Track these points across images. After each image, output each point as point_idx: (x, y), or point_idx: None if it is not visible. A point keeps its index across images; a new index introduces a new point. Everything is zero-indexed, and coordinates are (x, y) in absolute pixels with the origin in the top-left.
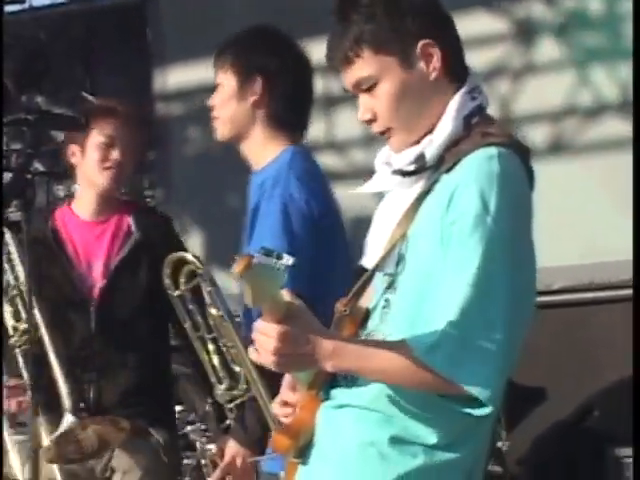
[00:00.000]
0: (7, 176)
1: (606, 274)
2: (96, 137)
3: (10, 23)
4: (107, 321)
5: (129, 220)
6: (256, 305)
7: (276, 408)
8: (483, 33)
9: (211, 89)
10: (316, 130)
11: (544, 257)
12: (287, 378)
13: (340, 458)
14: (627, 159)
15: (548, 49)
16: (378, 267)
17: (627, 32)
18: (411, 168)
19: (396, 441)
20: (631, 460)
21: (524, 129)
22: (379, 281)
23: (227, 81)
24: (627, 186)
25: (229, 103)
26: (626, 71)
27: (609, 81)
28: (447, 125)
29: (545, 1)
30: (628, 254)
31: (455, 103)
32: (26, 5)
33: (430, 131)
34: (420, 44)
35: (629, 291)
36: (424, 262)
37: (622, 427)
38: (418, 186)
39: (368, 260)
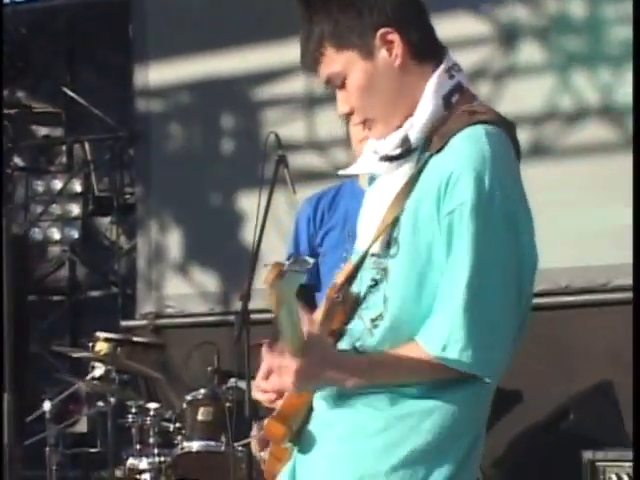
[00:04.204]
0: None
1: (584, 278)
2: None
3: None
4: None
5: None
6: (278, 310)
7: (258, 395)
8: (466, 35)
9: (191, 86)
10: (298, 130)
11: None
12: (262, 366)
13: (337, 449)
14: (607, 163)
15: (530, 53)
16: (369, 251)
17: (608, 37)
18: (397, 152)
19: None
20: (605, 464)
21: None
22: (368, 263)
23: None
24: (606, 190)
25: None
26: (607, 75)
27: (590, 85)
28: (427, 106)
29: (528, 5)
30: (606, 259)
31: (432, 84)
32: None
33: (411, 114)
34: (379, 33)
35: (607, 295)
36: (424, 249)
37: (597, 430)
38: (407, 168)
39: (359, 244)
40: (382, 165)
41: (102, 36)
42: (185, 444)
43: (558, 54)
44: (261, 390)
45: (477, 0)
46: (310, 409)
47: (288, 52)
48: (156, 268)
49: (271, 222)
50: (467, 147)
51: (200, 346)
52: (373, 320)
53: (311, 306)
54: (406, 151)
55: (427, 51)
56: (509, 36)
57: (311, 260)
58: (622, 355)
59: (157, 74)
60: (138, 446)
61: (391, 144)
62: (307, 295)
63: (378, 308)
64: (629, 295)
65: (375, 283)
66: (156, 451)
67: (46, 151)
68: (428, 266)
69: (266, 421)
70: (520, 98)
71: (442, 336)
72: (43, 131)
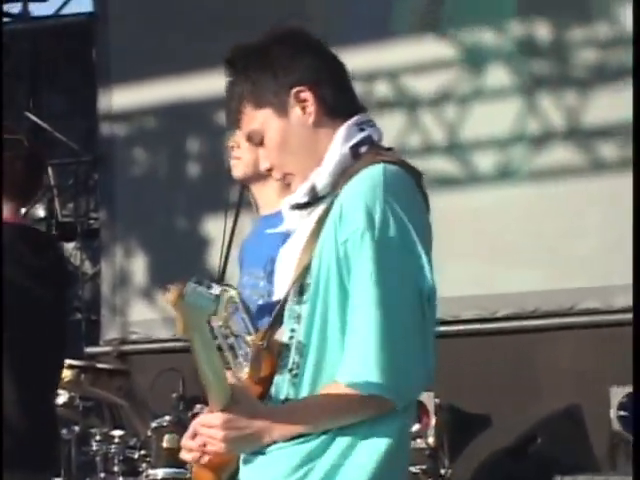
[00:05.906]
0: None
1: (551, 302)
2: None
3: None
4: None
5: None
6: (185, 334)
7: (185, 455)
8: (432, 59)
9: (156, 110)
10: None
11: (489, 284)
12: (189, 427)
13: None
14: (574, 186)
15: (496, 76)
16: (286, 299)
17: (574, 60)
18: (305, 200)
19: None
20: None
21: (471, 155)
22: (287, 311)
23: None
24: (573, 213)
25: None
26: (573, 99)
27: (556, 109)
28: (334, 155)
29: (494, 29)
30: (572, 282)
31: (340, 135)
32: None
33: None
34: (292, 92)
35: (573, 319)
36: (323, 289)
37: (565, 454)
38: (316, 214)
39: (277, 293)
40: (294, 214)
41: (65, 60)
42: (150, 472)
43: (524, 77)
44: (187, 449)
45: (443, 23)
46: (239, 462)
47: None
48: (121, 294)
49: (237, 246)
50: (361, 182)
51: (165, 372)
52: (291, 370)
53: None
54: (314, 198)
55: (342, 109)
56: (475, 59)
57: (217, 289)
58: (589, 378)
59: (121, 98)
60: (102, 474)
61: (299, 193)
62: None
63: (295, 357)
64: (595, 318)
65: (293, 331)
66: (121, 479)
67: None
68: (325, 306)
69: (195, 468)
70: (486, 121)
71: (356, 366)
72: None
